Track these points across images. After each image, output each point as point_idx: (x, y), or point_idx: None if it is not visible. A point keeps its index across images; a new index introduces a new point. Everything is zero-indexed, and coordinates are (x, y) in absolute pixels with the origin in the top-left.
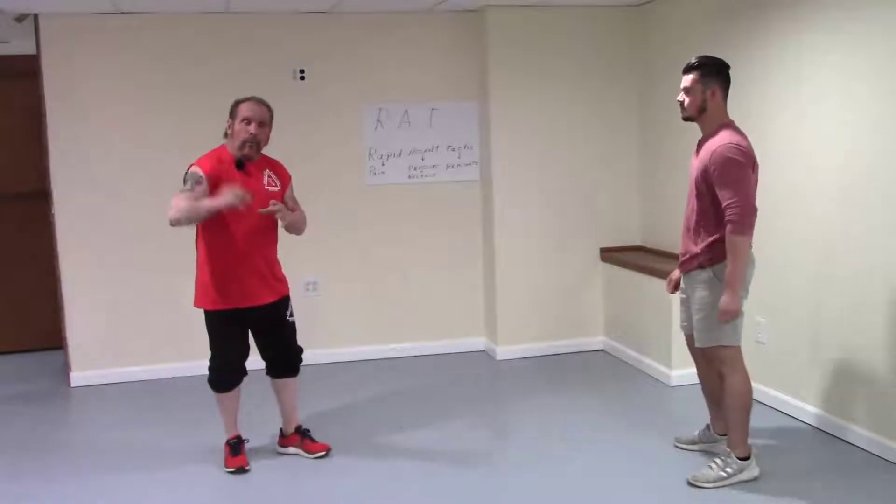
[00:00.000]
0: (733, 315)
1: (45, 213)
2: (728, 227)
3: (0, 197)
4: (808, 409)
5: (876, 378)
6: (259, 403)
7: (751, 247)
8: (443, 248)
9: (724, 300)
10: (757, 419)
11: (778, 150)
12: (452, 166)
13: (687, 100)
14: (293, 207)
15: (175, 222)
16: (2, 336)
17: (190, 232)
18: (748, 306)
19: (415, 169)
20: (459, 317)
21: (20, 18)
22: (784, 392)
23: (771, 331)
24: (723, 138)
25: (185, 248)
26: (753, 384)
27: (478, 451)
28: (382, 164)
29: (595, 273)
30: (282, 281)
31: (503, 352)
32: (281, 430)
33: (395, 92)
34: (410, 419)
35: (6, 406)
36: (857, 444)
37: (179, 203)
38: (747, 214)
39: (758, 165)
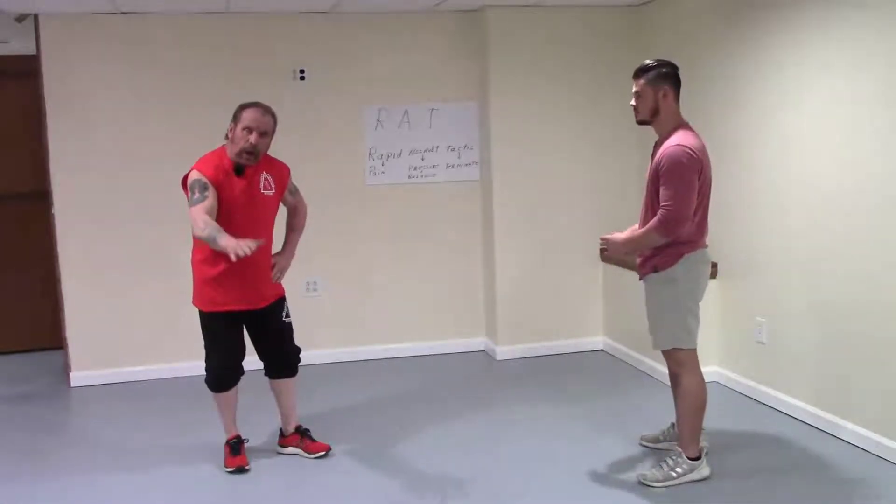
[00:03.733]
0: (610, 245)
1: (45, 213)
2: (654, 222)
3: (0, 197)
4: (807, 409)
5: (875, 377)
6: (258, 403)
7: (706, 246)
8: (443, 248)
9: (619, 239)
10: (756, 419)
11: (778, 150)
12: (452, 166)
13: (639, 104)
14: (294, 203)
15: (200, 236)
16: (2, 336)
17: (189, 233)
18: (746, 307)
19: (415, 169)
20: (459, 317)
21: (20, 18)
22: (784, 392)
23: (771, 331)
24: (676, 139)
25: (184, 248)
26: (754, 384)
27: (477, 452)
28: (382, 165)
29: (595, 273)
30: (277, 283)
31: (503, 352)
32: (280, 430)
33: (395, 92)
34: (410, 419)
35: (6, 406)
36: (857, 444)
37: (202, 219)
38: (676, 221)
39: (709, 167)
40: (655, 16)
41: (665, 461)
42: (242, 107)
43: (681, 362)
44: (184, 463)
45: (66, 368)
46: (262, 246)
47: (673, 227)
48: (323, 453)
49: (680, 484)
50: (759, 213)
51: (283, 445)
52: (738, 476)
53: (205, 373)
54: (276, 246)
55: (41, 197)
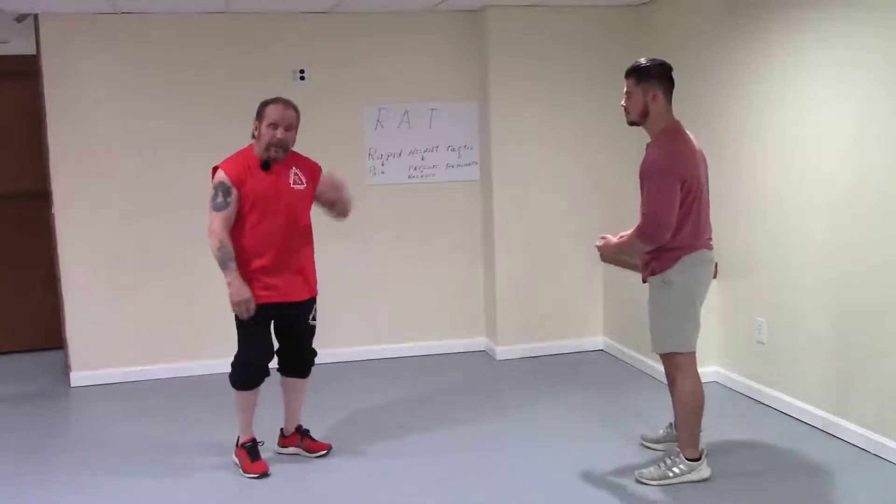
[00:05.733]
0: (603, 247)
1: (45, 213)
2: (635, 230)
3: (0, 197)
4: (807, 409)
5: (875, 377)
6: (259, 404)
7: (709, 247)
8: (443, 248)
9: (611, 242)
10: (756, 419)
11: (778, 150)
12: (452, 166)
13: (629, 104)
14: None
15: (211, 249)
16: (2, 336)
17: (189, 233)
18: (747, 307)
19: (415, 169)
20: (459, 317)
21: (20, 18)
22: (784, 392)
23: (771, 331)
24: (658, 145)
25: (185, 247)
26: (754, 384)
27: (477, 452)
28: (382, 164)
29: (595, 273)
30: (314, 280)
31: (503, 352)
32: (281, 430)
33: (395, 92)
34: (410, 419)
35: (6, 406)
36: (857, 444)
37: (221, 237)
38: (655, 229)
39: (702, 168)
40: (655, 16)
41: (663, 460)
42: (264, 104)
43: (676, 365)
44: (184, 463)
45: (66, 368)
46: (301, 238)
47: (652, 234)
48: (324, 452)
49: (677, 483)
50: (758, 212)
51: (283, 445)
52: (738, 476)
53: (234, 371)
54: (317, 241)
55: (41, 197)
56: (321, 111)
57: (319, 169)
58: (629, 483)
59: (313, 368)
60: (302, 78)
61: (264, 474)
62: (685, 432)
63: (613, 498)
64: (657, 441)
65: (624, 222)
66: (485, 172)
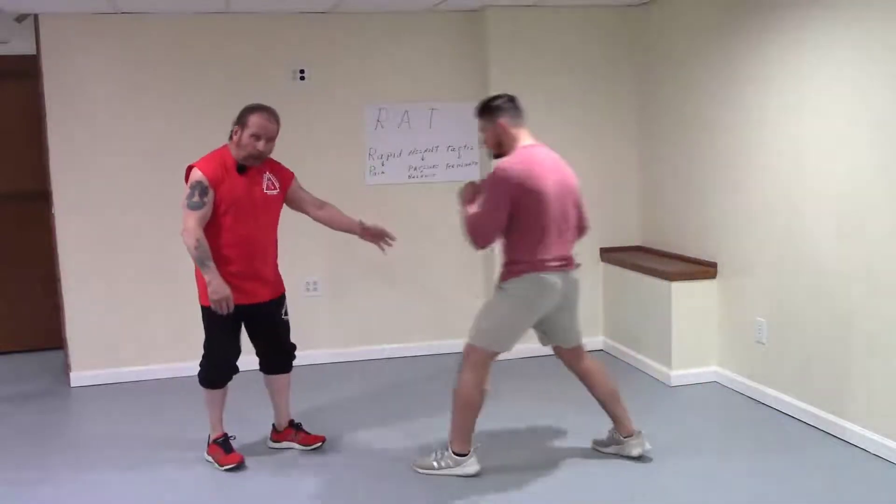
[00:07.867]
0: (462, 190)
1: (45, 213)
2: (468, 217)
3: (0, 197)
4: (807, 410)
5: (875, 377)
6: (255, 403)
7: (561, 271)
8: (443, 249)
9: (467, 189)
10: (756, 419)
11: (778, 152)
12: (452, 166)
13: (486, 141)
14: (312, 201)
15: (188, 247)
16: (2, 336)
17: None
18: (747, 307)
19: (415, 169)
20: (460, 317)
21: (20, 18)
22: (784, 392)
23: (771, 331)
24: (503, 160)
25: (184, 248)
26: (754, 384)
27: (476, 451)
28: (382, 164)
29: (595, 273)
30: (280, 279)
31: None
32: (273, 425)
33: (395, 92)
34: (410, 419)
35: (6, 406)
36: (857, 444)
37: (197, 235)
38: (473, 230)
39: (545, 189)
40: (655, 16)
41: (434, 452)
42: (249, 110)
43: (468, 357)
44: (184, 462)
45: (66, 368)
46: (269, 241)
47: (470, 232)
48: (318, 445)
49: (442, 475)
50: (758, 212)
51: (276, 440)
52: (738, 476)
53: (202, 370)
54: (281, 245)
55: (41, 197)
56: (321, 111)
57: (292, 175)
58: (630, 483)
59: (313, 368)
60: (302, 78)
61: (241, 464)
62: (455, 427)
63: (614, 498)
64: (605, 445)
65: (623, 220)
66: (485, 172)
